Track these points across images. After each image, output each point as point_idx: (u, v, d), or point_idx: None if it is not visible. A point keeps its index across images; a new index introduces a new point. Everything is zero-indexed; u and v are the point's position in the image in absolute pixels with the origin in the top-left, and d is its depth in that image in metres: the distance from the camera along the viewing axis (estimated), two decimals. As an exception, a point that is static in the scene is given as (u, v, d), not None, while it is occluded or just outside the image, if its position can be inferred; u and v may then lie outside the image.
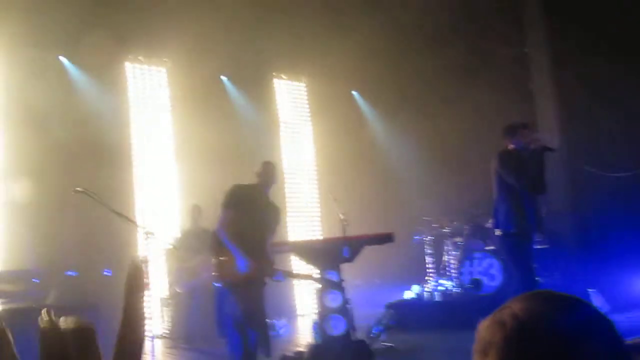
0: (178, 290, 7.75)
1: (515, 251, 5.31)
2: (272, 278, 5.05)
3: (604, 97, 7.81)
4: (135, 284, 0.84)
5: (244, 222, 4.86)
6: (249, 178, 5.19)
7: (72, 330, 0.65)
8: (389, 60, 9.96)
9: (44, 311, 0.59)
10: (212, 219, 7.96)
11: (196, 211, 7.95)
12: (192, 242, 7.52)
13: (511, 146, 5.40)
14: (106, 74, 8.48)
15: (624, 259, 7.13)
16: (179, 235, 8.22)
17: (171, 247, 7.58)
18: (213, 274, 5.03)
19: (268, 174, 5.17)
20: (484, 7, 8.88)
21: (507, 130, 5.46)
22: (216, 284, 5.06)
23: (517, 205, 5.26)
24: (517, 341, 0.87)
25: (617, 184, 7.54)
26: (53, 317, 0.62)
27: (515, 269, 5.37)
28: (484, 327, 0.95)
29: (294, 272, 6.01)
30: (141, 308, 1.06)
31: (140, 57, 8.89)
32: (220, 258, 4.83)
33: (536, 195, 5.41)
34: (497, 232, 5.43)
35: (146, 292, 1.54)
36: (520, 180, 5.22)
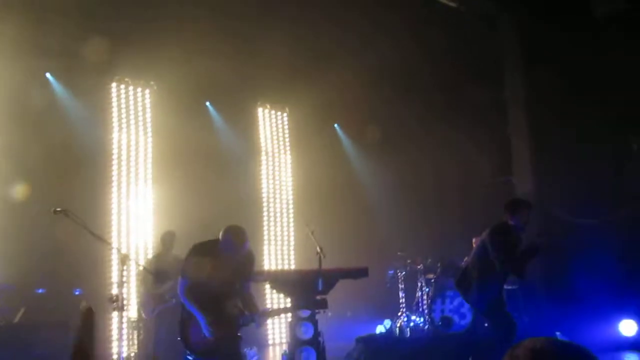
0: (144, 317, 7.69)
1: (491, 318, 5.39)
2: (253, 324, 4.79)
3: (577, 146, 8.07)
4: (87, 324, 0.90)
5: (204, 286, 4.59)
6: (226, 204, 4.91)
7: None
8: (372, 98, 10.17)
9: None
10: (184, 246, 8.00)
11: (169, 237, 7.90)
12: (162, 268, 7.49)
13: (511, 222, 5.33)
14: (92, 92, 8.52)
15: (590, 302, 7.29)
16: (150, 259, 8.18)
17: (143, 269, 7.54)
18: (182, 344, 4.75)
19: (230, 242, 4.61)
20: (465, 52, 9.14)
21: (510, 206, 5.40)
22: (188, 357, 4.69)
23: (493, 283, 5.29)
24: None
25: (584, 231, 7.74)
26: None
27: (495, 331, 5.38)
28: None
29: (270, 310, 5.64)
30: (92, 346, 1.12)
31: (126, 79, 8.95)
32: (185, 322, 4.67)
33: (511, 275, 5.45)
34: (468, 299, 5.49)
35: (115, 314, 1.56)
36: (505, 264, 5.17)
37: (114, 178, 8.67)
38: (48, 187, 7.32)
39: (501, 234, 5.26)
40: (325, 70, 9.14)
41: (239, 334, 4.77)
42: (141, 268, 7.71)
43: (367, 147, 11.05)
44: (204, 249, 4.70)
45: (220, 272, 4.64)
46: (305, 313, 5.50)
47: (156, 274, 7.29)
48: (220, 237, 4.64)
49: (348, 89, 9.76)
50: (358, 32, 8.72)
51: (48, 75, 8.28)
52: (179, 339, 4.71)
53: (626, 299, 7.58)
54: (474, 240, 5.76)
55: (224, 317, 4.63)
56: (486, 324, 5.96)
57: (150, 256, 8.42)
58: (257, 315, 4.78)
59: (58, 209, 4.44)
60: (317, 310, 5.67)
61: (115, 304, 4.49)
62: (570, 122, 8.05)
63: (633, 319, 7.38)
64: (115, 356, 8.07)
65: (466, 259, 5.95)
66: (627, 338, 7.35)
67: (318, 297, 5.48)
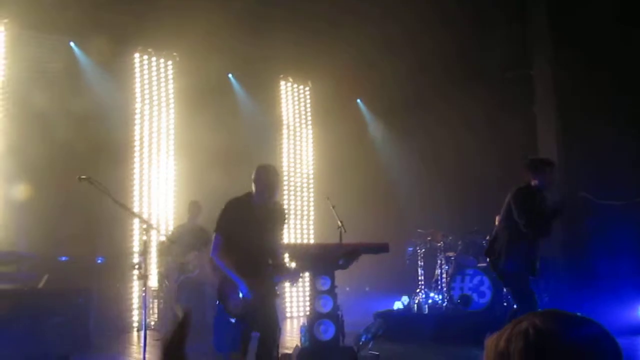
0: (168, 284, 7.78)
1: (517, 287, 5.22)
2: (289, 281, 4.75)
3: (604, 125, 7.91)
4: (183, 328, 0.88)
5: (243, 241, 4.40)
6: (246, 177, 4.78)
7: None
8: (396, 74, 10.04)
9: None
10: (209, 216, 8.05)
11: (194, 208, 7.93)
12: (186, 238, 7.56)
13: (534, 182, 5.21)
14: (115, 62, 8.54)
15: (610, 284, 7.22)
16: (174, 229, 8.26)
17: (166, 240, 7.61)
18: (218, 296, 4.54)
19: (261, 181, 4.49)
20: (491, 28, 8.96)
21: (532, 165, 5.26)
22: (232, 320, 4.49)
23: (521, 245, 5.16)
24: (538, 349, 0.94)
25: (609, 211, 7.63)
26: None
27: (518, 302, 5.30)
28: (498, 340, 1.01)
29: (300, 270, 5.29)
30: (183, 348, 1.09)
31: (149, 49, 8.94)
32: (222, 281, 4.44)
33: (540, 238, 5.30)
34: (497, 265, 5.32)
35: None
36: (529, 224, 5.07)
37: (137, 149, 8.72)
38: (72, 155, 7.39)
39: (524, 194, 5.15)
40: (348, 44, 9.03)
41: (276, 291, 4.66)
42: (163, 238, 7.79)
43: (390, 124, 10.96)
44: (239, 203, 4.53)
45: (256, 226, 4.46)
46: (325, 286, 5.51)
47: (181, 245, 7.37)
48: (253, 178, 4.51)
49: (371, 63, 9.64)
50: (380, 4, 8.59)
51: (72, 44, 8.30)
52: (217, 303, 4.56)
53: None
54: (496, 218, 5.68)
55: (260, 275, 4.45)
56: (508, 295, 5.89)
57: (174, 226, 8.51)
58: (289, 275, 4.68)
59: (83, 177, 4.46)
60: (336, 285, 5.69)
61: (138, 272, 4.52)
62: (597, 103, 7.88)
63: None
64: (136, 324, 8.21)
65: (492, 233, 5.88)
66: None
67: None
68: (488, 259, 5.49)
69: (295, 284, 4.96)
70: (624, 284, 7.26)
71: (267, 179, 4.49)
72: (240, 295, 4.36)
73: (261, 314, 4.49)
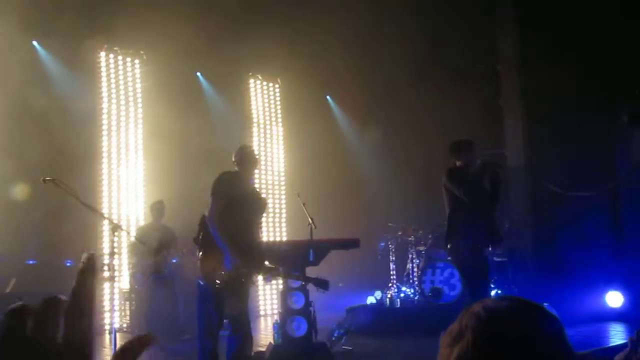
0: (136, 287, 7.71)
1: (465, 264, 5.41)
2: (264, 277, 4.78)
3: (571, 117, 8.08)
4: (88, 267, 0.86)
5: (235, 214, 4.40)
6: (216, 175, 4.80)
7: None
8: (363, 69, 10.10)
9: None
10: (175, 215, 8.01)
11: (158, 206, 7.90)
12: (154, 237, 7.50)
13: (458, 162, 5.51)
14: (80, 61, 8.39)
15: (578, 274, 7.39)
16: (139, 229, 8.18)
17: (135, 241, 7.54)
18: (201, 270, 4.47)
19: (248, 158, 4.71)
20: (458, 23, 9.06)
21: (453, 148, 5.54)
22: (200, 282, 4.44)
23: (467, 220, 5.32)
24: (489, 325, 1.01)
25: (578, 202, 7.81)
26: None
27: (465, 282, 5.48)
28: (451, 327, 1.08)
29: (282, 271, 5.37)
30: (91, 290, 1.06)
31: (115, 48, 8.82)
32: (207, 253, 4.38)
33: (488, 208, 5.47)
34: (448, 245, 5.54)
35: (102, 281, 1.54)
36: (467, 193, 5.29)
37: (104, 149, 8.60)
38: (37, 157, 7.25)
39: (453, 173, 5.43)
40: (316, 41, 9.04)
41: (264, 268, 4.71)
42: (132, 238, 7.71)
43: (359, 120, 11.02)
44: (235, 176, 4.65)
45: (249, 203, 4.55)
46: (296, 283, 5.53)
47: (149, 243, 7.31)
48: (237, 159, 4.67)
49: (340, 60, 9.67)
50: (348, 2, 8.62)
51: (35, 43, 8.14)
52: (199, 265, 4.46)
53: (613, 271, 7.69)
54: None
55: (248, 252, 4.43)
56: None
57: (140, 228, 8.41)
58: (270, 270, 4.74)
59: (47, 178, 4.39)
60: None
61: (106, 272, 4.47)
62: (563, 94, 8.04)
63: (619, 291, 7.49)
64: (107, 327, 8.10)
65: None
66: (613, 309, 7.47)
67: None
68: (444, 245, 5.67)
69: (269, 282, 5.01)
70: (592, 273, 7.44)
71: (252, 156, 4.73)
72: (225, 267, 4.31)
73: (243, 316, 4.54)
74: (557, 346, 1.02)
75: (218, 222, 4.38)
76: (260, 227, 4.84)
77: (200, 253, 4.45)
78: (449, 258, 7.84)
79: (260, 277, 4.85)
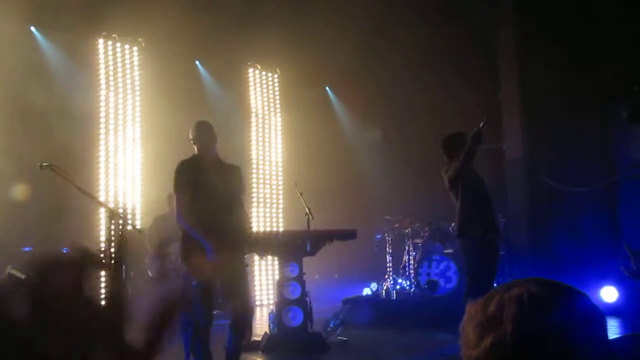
0: (151, 275, 7.70)
1: (479, 257, 5.16)
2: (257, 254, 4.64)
3: (569, 112, 8.08)
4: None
5: (202, 200, 4.27)
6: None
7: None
8: (363, 62, 10.07)
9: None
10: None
11: (172, 200, 7.87)
12: (167, 229, 7.50)
13: (457, 156, 5.25)
14: (78, 48, 8.34)
15: (573, 268, 7.42)
16: (153, 220, 8.14)
17: (135, 230, 7.51)
18: (187, 272, 4.37)
19: (205, 133, 4.49)
20: (458, 16, 9.03)
21: (446, 144, 5.36)
22: (193, 284, 4.33)
23: (482, 211, 5.21)
24: (533, 314, 0.94)
25: (573, 197, 7.83)
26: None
27: (474, 275, 5.26)
28: (485, 304, 0.99)
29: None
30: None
31: (114, 35, 8.76)
32: (190, 253, 4.28)
33: (492, 201, 5.40)
34: (462, 237, 5.30)
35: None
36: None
37: (102, 137, 8.56)
38: (34, 144, 7.22)
39: (453, 164, 5.22)
40: (316, 32, 9.00)
41: (242, 253, 4.53)
42: (130, 227, 7.67)
43: (358, 111, 10.99)
44: (190, 163, 4.45)
45: (213, 182, 4.36)
46: (294, 272, 5.53)
47: (159, 235, 7.28)
48: (193, 136, 4.48)
49: (340, 52, 9.63)
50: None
51: (33, 29, 8.09)
52: (180, 262, 4.39)
53: (608, 266, 7.72)
54: None
55: (227, 236, 4.29)
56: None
57: (153, 217, 8.38)
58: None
59: (45, 164, 4.36)
60: (304, 272, 5.72)
61: (103, 260, 4.45)
62: (562, 89, 8.04)
63: (613, 286, 7.52)
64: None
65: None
66: (607, 304, 7.50)
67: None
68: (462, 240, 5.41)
69: (262, 256, 4.82)
70: (587, 268, 7.46)
71: (208, 132, 4.49)
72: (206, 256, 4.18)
73: (231, 287, 4.38)
74: (600, 337, 0.96)
75: (187, 216, 4.28)
76: (239, 203, 4.54)
77: (184, 255, 4.37)
78: (450, 250, 7.86)
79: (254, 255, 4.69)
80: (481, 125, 4.96)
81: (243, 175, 4.73)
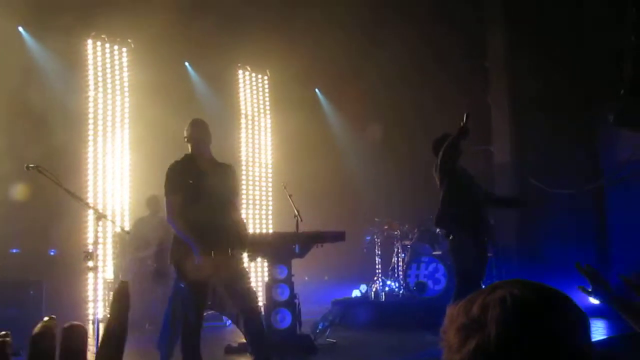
0: (122, 279, 7.66)
1: (469, 260, 5.15)
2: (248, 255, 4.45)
3: (557, 116, 8.14)
4: (120, 297, 0.78)
5: (198, 200, 4.19)
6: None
7: (63, 330, 0.62)
8: (352, 64, 10.09)
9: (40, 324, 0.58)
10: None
11: (153, 201, 7.83)
12: (146, 232, 7.47)
13: None
14: (66, 49, 8.30)
15: (561, 271, 7.44)
16: (134, 223, 8.12)
17: (121, 231, 7.49)
18: (177, 274, 4.31)
19: (201, 131, 4.44)
20: (448, 19, 9.08)
21: (436, 145, 5.38)
22: (181, 285, 4.26)
23: (473, 212, 5.22)
24: (516, 317, 0.92)
25: (561, 199, 7.88)
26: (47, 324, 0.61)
27: (462, 277, 5.23)
28: (468, 306, 0.96)
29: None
30: (125, 321, 0.98)
31: (103, 36, 8.73)
32: (181, 255, 4.19)
33: (483, 202, 5.42)
34: (451, 238, 5.27)
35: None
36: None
37: (90, 138, 8.52)
38: (21, 145, 7.17)
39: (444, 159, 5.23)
40: (307, 34, 9.01)
41: (238, 254, 4.42)
42: (117, 229, 7.66)
43: (347, 113, 11.01)
44: (181, 164, 4.37)
45: (206, 182, 4.28)
46: (282, 274, 5.53)
47: (141, 238, 7.26)
48: (187, 134, 4.44)
49: (330, 54, 9.65)
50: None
51: (20, 29, 8.03)
52: (170, 264, 4.32)
53: (595, 268, 7.76)
54: None
55: (223, 235, 4.23)
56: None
57: (132, 219, 8.36)
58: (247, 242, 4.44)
59: (31, 165, 4.34)
60: (293, 274, 5.71)
61: (90, 262, 4.43)
62: (550, 92, 8.10)
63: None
64: (90, 317, 8.06)
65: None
66: (594, 305, 7.53)
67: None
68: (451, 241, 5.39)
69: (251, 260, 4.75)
70: (574, 270, 7.48)
71: (202, 130, 4.45)
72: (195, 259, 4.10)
73: (232, 289, 4.31)
74: (583, 339, 0.94)
75: (178, 219, 4.20)
76: (235, 198, 4.49)
77: (174, 257, 4.30)
78: (439, 252, 7.88)
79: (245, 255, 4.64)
80: (464, 118, 4.98)
81: (238, 176, 4.71)
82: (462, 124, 4.98)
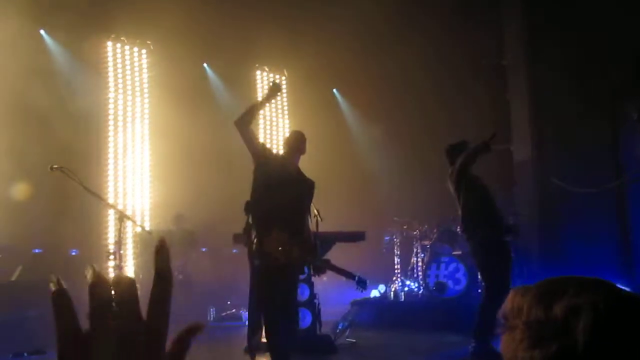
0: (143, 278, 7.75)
1: (495, 257, 5.15)
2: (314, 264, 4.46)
3: (578, 113, 8.04)
4: (163, 249, 0.75)
5: (278, 196, 4.23)
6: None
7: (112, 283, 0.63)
8: (372, 64, 10.06)
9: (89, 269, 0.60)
10: (187, 206, 8.10)
11: (179, 219, 8.15)
12: (173, 245, 7.57)
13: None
14: (87, 51, 8.38)
15: (583, 271, 7.36)
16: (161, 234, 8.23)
17: (142, 231, 7.55)
18: (262, 250, 4.20)
19: (297, 142, 4.66)
20: (466, 18, 9.01)
21: (450, 152, 5.42)
22: (255, 262, 4.19)
23: (493, 210, 5.28)
24: (613, 327, 0.82)
25: (583, 198, 7.78)
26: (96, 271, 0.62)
27: (490, 276, 5.23)
28: (546, 303, 0.86)
29: (336, 265, 4.96)
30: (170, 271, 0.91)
31: (122, 37, 8.80)
32: (266, 234, 4.14)
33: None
34: (478, 237, 5.25)
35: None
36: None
37: (111, 139, 8.60)
38: (44, 146, 7.26)
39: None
40: (324, 34, 9.00)
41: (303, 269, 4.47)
42: (138, 229, 7.72)
43: (365, 112, 10.98)
44: (273, 155, 4.58)
45: (293, 183, 4.40)
46: (302, 275, 5.52)
47: (152, 233, 7.34)
48: (286, 141, 4.66)
49: (348, 54, 9.64)
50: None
51: (42, 32, 8.13)
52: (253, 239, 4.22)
53: (618, 267, 7.67)
54: None
55: (300, 235, 4.29)
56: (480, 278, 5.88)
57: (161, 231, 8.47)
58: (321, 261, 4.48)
59: (55, 166, 4.39)
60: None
61: (112, 261, 4.48)
62: (570, 89, 8.00)
63: (624, 287, 7.46)
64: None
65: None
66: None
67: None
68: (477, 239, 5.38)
69: (317, 274, 4.71)
70: (597, 269, 7.41)
71: (300, 140, 4.69)
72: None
73: (288, 305, 4.33)
74: None
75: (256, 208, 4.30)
76: (308, 212, 4.56)
77: (255, 237, 4.22)
78: (459, 252, 7.82)
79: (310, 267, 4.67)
80: (490, 137, 5.05)
81: (314, 189, 4.74)
82: (486, 141, 5.02)
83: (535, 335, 0.83)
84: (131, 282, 0.61)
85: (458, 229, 7.51)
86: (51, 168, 4.39)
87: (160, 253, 0.61)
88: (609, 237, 7.96)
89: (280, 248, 4.14)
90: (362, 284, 4.74)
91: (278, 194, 4.26)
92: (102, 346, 0.58)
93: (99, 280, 0.61)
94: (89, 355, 0.59)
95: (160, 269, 0.60)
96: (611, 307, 0.83)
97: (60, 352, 0.60)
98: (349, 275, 4.80)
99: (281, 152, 4.69)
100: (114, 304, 0.59)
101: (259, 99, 4.22)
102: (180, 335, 0.60)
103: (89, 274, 0.61)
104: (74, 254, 7.82)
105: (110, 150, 8.58)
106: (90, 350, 0.59)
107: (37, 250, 7.55)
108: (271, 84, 4.62)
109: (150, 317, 0.60)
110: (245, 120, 4.33)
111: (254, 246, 4.19)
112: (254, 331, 4.46)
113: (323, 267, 4.62)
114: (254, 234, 4.21)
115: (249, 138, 4.38)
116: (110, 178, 8.49)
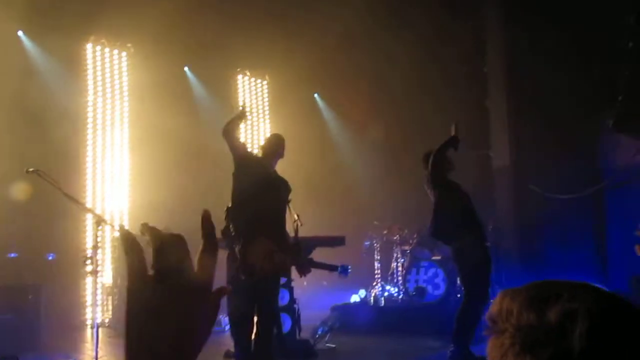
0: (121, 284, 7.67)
1: (476, 264, 5.18)
2: (299, 268, 4.42)
3: (555, 121, 8.14)
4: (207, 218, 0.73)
5: (261, 202, 4.22)
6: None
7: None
8: (352, 68, 10.10)
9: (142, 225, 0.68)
10: (170, 211, 8.00)
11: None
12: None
13: None
14: (66, 53, 8.29)
15: (563, 274, 7.44)
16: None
17: (124, 229, 7.47)
18: (244, 261, 4.15)
19: (276, 145, 4.68)
20: (445, 25, 9.09)
21: (427, 159, 5.47)
22: (242, 277, 4.11)
23: (473, 217, 5.30)
24: (609, 333, 0.80)
25: (560, 203, 7.88)
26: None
27: (471, 283, 5.24)
28: (540, 308, 0.83)
29: (318, 261, 4.99)
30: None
31: (102, 40, 8.72)
32: (250, 243, 4.11)
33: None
34: (456, 244, 5.31)
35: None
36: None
37: (89, 141, 8.51)
38: (21, 148, 7.15)
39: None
40: (306, 38, 9.02)
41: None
42: (116, 233, 7.63)
43: (347, 117, 11.02)
44: (254, 158, 4.56)
45: (270, 187, 4.39)
46: (282, 280, 5.50)
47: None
48: (265, 144, 4.69)
49: (329, 58, 9.66)
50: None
51: (20, 33, 8.03)
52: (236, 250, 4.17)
53: (596, 272, 7.77)
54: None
55: (280, 239, 4.28)
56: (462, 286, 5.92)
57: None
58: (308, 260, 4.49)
59: (30, 169, 4.33)
60: (293, 278, 5.69)
61: (89, 266, 4.42)
62: (549, 97, 8.11)
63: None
64: (89, 321, 8.03)
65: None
66: None
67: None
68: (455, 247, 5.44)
69: (302, 274, 4.65)
70: (574, 274, 7.49)
71: (279, 144, 4.73)
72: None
73: (264, 295, 4.27)
74: None
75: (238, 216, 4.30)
76: (284, 216, 4.58)
77: (239, 246, 4.16)
78: (438, 257, 7.86)
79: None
80: (453, 128, 5.08)
81: (290, 190, 4.75)
82: (452, 133, 5.08)
83: (527, 340, 0.80)
84: (182, 239, 0.72)
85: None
86: (27, 171, 4.32)
87: (206, 221, 0.74)
88: (586, 242, 8.06)
89: (265, 257, 4.11)
90: (344, 271, 4.84)
91: (260, 200, 4.25)
92: (162, 288, 0.68)
93: (127, 231, 0.71)
94: (153, 294, 0.69)
95: (208, 234, 0.74)
96: (605, 312, 0.81)
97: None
98: (332, 267, 4.89)
99: (260, 154, 4.66)
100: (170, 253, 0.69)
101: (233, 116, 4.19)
102: (215, 291, 0.72)
103: (142, 229, 0.71)
104: (50, 258, 7.70)
105: (89, 152, 8.49)
106: (154, 289, 0.69)
107: (12, 255, 7.42)
108: (240, 108, 4.65)
109: (200, 269, 0.72)
110: (230, 129, 4.34)
111: (238, 261, 4.15)
112: (244, 339, 4.40)
113: (307, 265, 4.59)
114: (237, 245, 4.17)
115: (235, 146, 4.42)
116: (89, 181, 8.39)
